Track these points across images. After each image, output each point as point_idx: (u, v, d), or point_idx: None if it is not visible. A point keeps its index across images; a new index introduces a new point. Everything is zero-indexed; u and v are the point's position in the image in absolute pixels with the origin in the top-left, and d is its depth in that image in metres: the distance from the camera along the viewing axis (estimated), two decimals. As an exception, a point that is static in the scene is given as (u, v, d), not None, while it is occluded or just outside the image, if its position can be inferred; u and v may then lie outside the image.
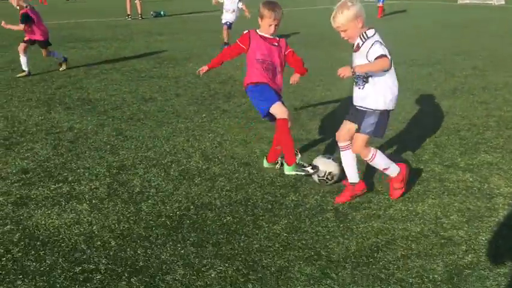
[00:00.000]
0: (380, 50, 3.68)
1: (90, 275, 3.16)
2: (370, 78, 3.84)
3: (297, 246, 3.55)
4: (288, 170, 4.47)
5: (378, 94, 3.85)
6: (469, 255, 3.42)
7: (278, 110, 4.37)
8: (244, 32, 4.56)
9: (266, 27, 4.44)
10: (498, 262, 3.34)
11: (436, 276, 3.19)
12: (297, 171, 4.44)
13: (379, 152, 4.12)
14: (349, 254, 3.44)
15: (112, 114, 6.71)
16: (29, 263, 3.27)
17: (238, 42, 4.54)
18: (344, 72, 3.72)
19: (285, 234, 3.70)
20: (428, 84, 8.58)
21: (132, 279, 3.12)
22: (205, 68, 4.72)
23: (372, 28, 3.85)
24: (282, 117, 4.35)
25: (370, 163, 4.16)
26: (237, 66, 9.03)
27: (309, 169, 4.40)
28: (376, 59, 3.66)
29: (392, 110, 3.98)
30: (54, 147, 5.39)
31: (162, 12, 20.95)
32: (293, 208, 4.10)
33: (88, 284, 3.06)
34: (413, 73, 9.38)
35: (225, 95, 7.82)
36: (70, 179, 4.60)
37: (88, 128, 6.10)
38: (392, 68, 3.80)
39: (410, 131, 6.11)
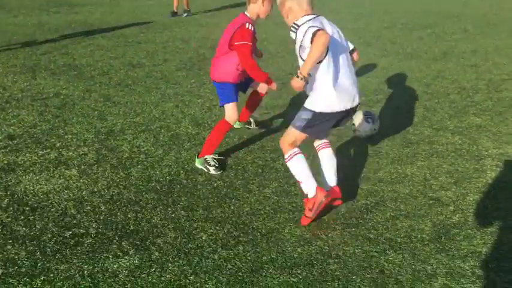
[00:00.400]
0: (311, 30, 2.98)
1: (81, 239, 3.16)
2: (309, 78, 3.14)
3: (287, 208, 3.57)
4: (197, 162, 4.18)
5: (313, 94, 3.25)
6: (457, 215, 3.47)
7: (230, 111, 4.08)
8: (247, 27, 3.83)
9: (266, 11, 3.87)
10: (485, 222, 3.39)
11: (424, 235, 3.23)
12: (202, 165, 4.13)
13: (301, 159, 3.36)
14: (339, 216, 3.47)
15: (99, 80, 6.60)
16: (18, 228, 3.26)
17: (248, 43, 3.81)
18: (296, 84, 3.09)
19: (275, 198, 3.71)
20: (419, 48, 8.52)
21: (123, 243, 3.12)
22: (271, 85, 4.08)
23: (309, 14, 3.18)
24: (228, 120, 4.09)
25: (286, 163, 3.47)
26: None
27: (212, 170, 4.07)
28: (311, 42, 2.97)
29: (341, 111, 3.26)
30: (40, 114, 5.31)
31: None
32: (283, 172, 4.10)
33: (79, 248, 3.07)
34: (404, 36, 9.29)
35: (214, 60, 7.70)
36: (58, 145, 4.55)
37: (75, 94, 6.00)
38: (338, 60, 3.15)
39: (400, 95, 6.10)
